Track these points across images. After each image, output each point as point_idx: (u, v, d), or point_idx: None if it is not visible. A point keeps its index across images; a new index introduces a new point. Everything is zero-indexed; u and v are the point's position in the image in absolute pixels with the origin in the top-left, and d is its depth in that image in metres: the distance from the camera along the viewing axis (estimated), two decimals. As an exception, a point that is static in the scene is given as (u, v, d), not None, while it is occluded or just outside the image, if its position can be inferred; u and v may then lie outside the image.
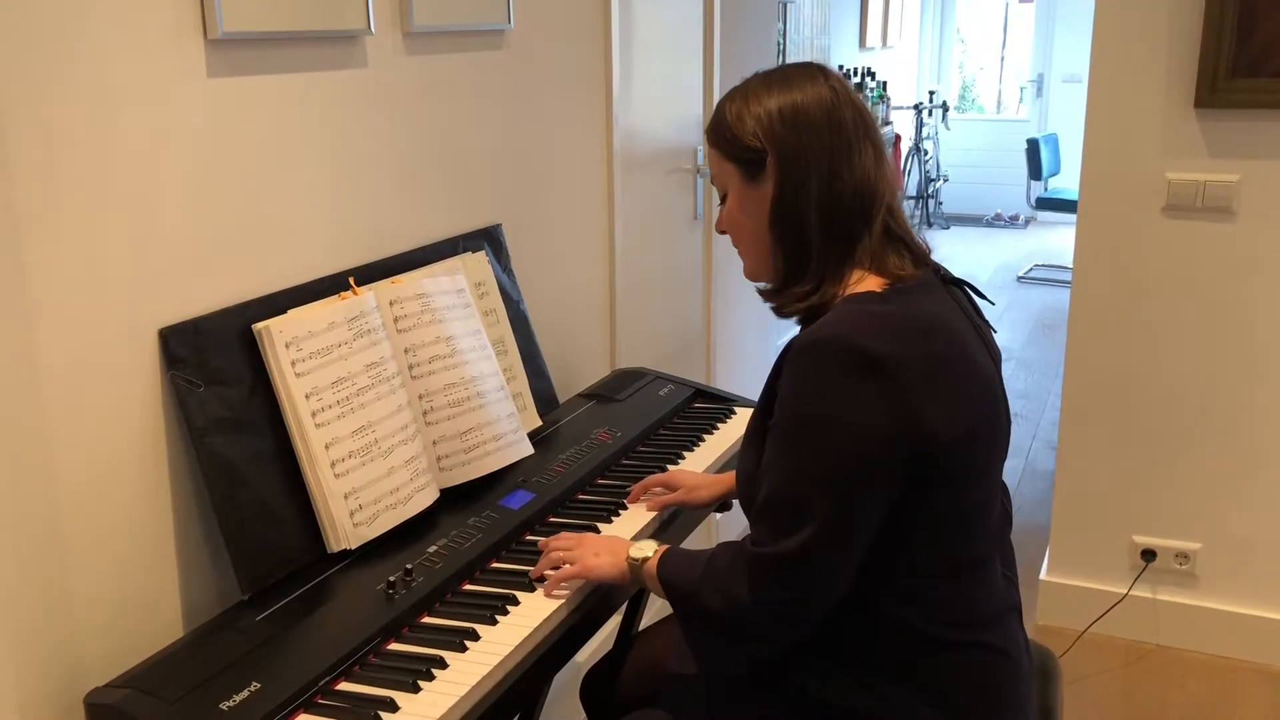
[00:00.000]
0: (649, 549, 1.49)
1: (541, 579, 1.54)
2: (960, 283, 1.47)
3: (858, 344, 1.26)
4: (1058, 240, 8.00)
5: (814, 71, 1.42)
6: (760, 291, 1.48)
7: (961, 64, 9.98)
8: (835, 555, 1.30)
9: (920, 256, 1.41)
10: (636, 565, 1.48)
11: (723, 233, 1.50)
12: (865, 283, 1.37)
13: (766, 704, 1.43)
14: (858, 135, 1.39)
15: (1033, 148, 7.56)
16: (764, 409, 1.38)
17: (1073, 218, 2.90)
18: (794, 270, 1.41)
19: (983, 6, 9.90)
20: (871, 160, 1.39)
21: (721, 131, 1.43)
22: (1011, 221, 8.99)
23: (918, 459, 1.28)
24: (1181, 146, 2.65)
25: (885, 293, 1.35)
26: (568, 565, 1.53)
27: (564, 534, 1.61)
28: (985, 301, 1.51)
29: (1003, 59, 10.01)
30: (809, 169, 1.37)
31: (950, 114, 8.92)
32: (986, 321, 1.49)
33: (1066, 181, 7.70)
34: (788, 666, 1.41)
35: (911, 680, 1.36)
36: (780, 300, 1.43)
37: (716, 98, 3.11)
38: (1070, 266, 2.87)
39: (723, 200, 1.48)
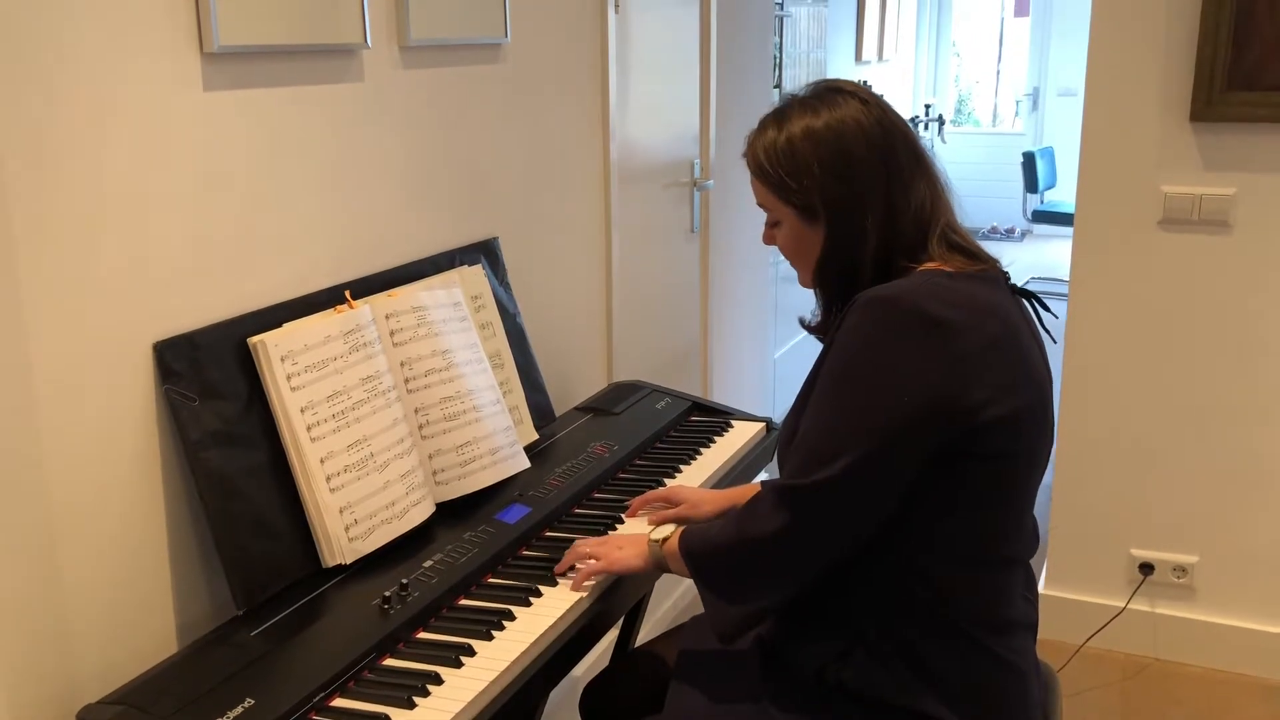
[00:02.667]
0: (668, 530, 1.54)
1: (564, 573, 1.58)
2: (1028, 294, 1.49)
3: (919, 304, 1.31)
4: (1054, 253, 8.00)
5: (852, 100, 1.41)
6: (806, 326, 1.53)
7: (957, 77, 10.01)
8: (854, 498, 1.32)
9: (982, 255, 1.43)
10: (657, 545, 1.52)
11: (769, 245, 1.53)
12: (936, 266, 1.40)
13: (781, 686, 1.44)
14: (911, 167, 1.41)
15: (1029, 161, 7.58)
16: (820, 365, 1.41)
17: (1069, 231, 2.90)
18: (846, 302, 1.43)
19: (978, 20, 9.93)
20: (925, 188, 1.41)
21: (769, 174, 1.43)
22: (1008, 234, 9.01)
23: (958, 428, 1.30)
24: (1177, 160, 2.65)
25: (954, 274, 1.38)
26: (593, 561, 1.56)
27: (587, 538, 1.64)
28: (1049, 314, 1.53)
29: (998, 72, 10.04)
30: (866, 213, 1.39)
31: (946, 127, 8.93)
32: (1048, 331, 1.50)
33: (1062, 194, 7.72)
34: (805, 646, 1.42)
35: (926, 669, 1.37)
36: (826, 331, 1.47)
37: (714, 111, 3.13)
38: (1066, 279, 2.87)
39: (769, 222, 1.50)
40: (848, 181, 1.39)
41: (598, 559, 1.56)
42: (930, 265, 1.39)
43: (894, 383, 1.30)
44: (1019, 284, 1.47)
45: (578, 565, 1.58)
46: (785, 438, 1.45)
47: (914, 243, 1.40)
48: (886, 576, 1.37)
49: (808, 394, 1.41)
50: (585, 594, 1.54)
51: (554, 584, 1.57)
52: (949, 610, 1.37)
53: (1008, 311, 1.38)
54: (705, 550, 1.45)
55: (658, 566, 1.54)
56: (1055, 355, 2.92)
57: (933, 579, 1.36)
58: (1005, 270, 1.46)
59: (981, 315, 1.33)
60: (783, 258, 1.52)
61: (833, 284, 1.45)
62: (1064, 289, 2.89)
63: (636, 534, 1.60)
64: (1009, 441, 1.34)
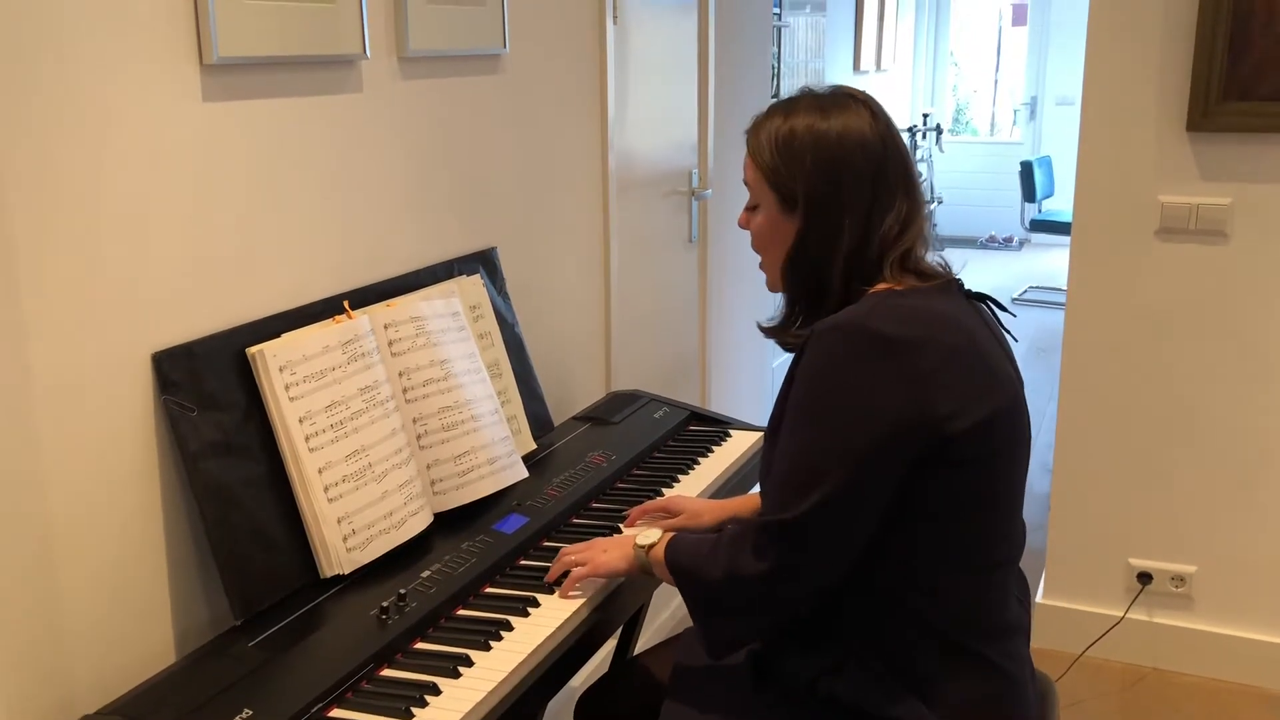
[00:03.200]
0: (654, 535, 1.53)
1: (558, 582, 1.57)
2: (983, 297, 1.49)
3: (875, 327, 1.32)
4: (1052, 262, 8.01)
5: (863, 109, 1.43)
6: (764, 329, 1.52)
7: (955, 87, 10.03)
8: (837, 526, 1.33)
9: (934, 274, 1.44)
10: (642, 551, 1.52)
11: (744, 228, 1.53)
12: (888, 286, 1.41)
13: (774, 700, 1.44)
14: (897, 189, 1.42)
15: (1026, 170, 7.58)
16: (785, 397, 1.41)
17: (1066, 239, 2.90)
18: (809, 306, 1.45)
19: (976, 30, 9.96)
20: (902, 216, 1.42)
21: (763, 155, 1.44)
22: (1005, 243, 9.02)
23: (930, 441, 1.31)
24: (1174, 169, 2.66)
25: (905, 290, 1.39)
26: (579, 568, 1.56)
27: (574, 544, 1.63)
28: (1007, 314, 1.54)
29: (996, 82, 10.07)
30: (844, 217, 1.40)
31: (944, 136, 8.95)
32: (1009, 332, 1.51)
33: (1060, 203, 7.72)
34: (798, 658, 1.42)
35: (919, 680, 1.37)
36: (785, 337, 1.48)
37: (712, 120, 3.13)
38: (1064, 288, 2.88)
39: (749, 205, 1.50)
40: (835, 182, 1.40)
41: (583, 564, 1.56)
42: (882, 287, 1.40)
43: (857, 408, 1.31)
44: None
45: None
46: (764, 469, 1.46)
47: (879, 257, 1.41)
48: (878, 589, 1.37)
49: (777, 425, 1.42)
50: (582, 602, 1.54)
51: (552, 593, 1.57)
52: (942, 619, 1.37)
53: (962, 318, 1.39)
54: (694, 575, 1.44)
55: (643, 571, 1.54)
56: (1053, 366, 2.93)
57: (925, 588, 1.37)
58: (958, 278, 1.47)
59: (936, 327, 1.34)
60: None
61: (799, 282, 1.45)
62: (1062, 298, 2.90)
63: (622, 537, 1.61)
64: (984, 446, 1.35)
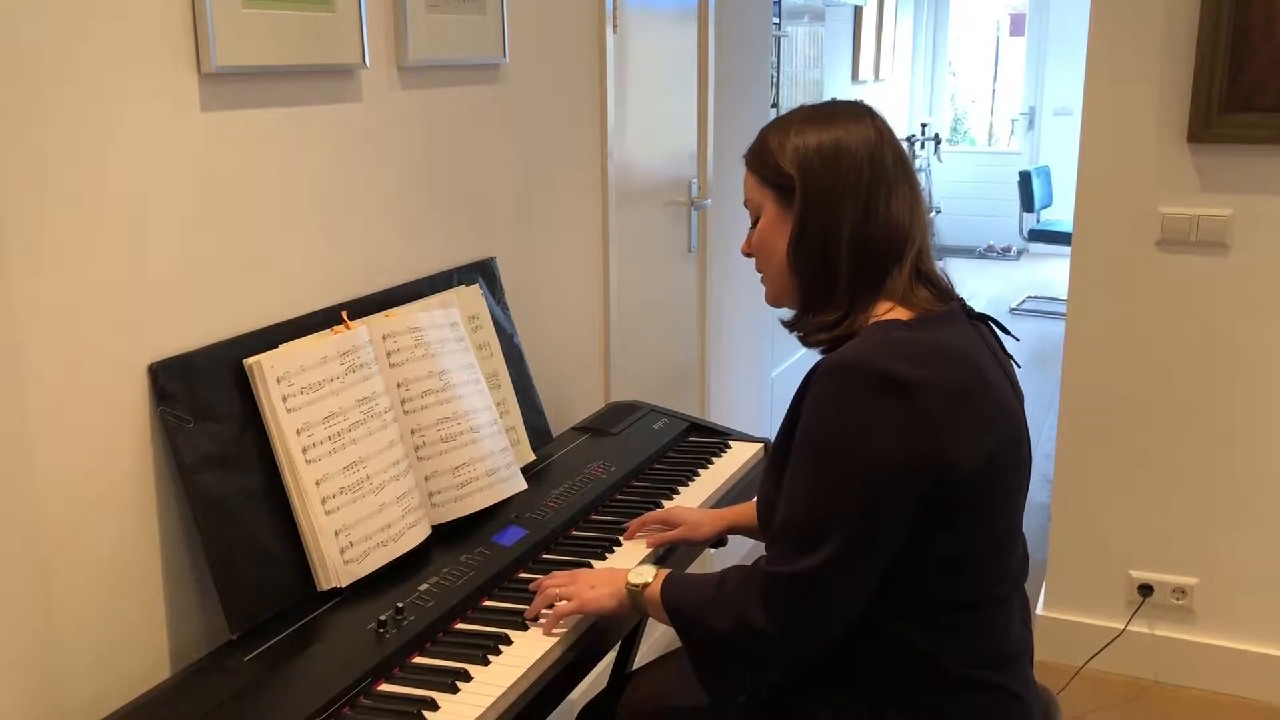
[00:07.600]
0: (649, 574, 1.47)
1: (537, 618, 1.52)
2: (985, 318, 1.48)
3: (882, 366, 1.28)
4: (1051, 272, 8.02)
5: (860, 111, 1.43)
6: (783, 322, 1.50)
7: (953, 96, 10.05)
8: (852, 577, 1.30)
9: (946, 293, 1.42)
10: (636, 591, 1.47)
11: (748, 255, 1.50)
12: (894, 313, 1.38)
13: None
14: (897, 177, 1.40)
15: (1025, 180, 7.59)
16: (787, 431, 1.38)
17: (1066, 249, 2.90)
18: (814, 298, 1.42)
19: (974, 40, 9.98)
20: (907, 203, 1.40)
21: (763, 157, 1.44)
22: (1004, 253, 9.02)
23: (938, 484, 1.28)
24: (1175, 180, 2.66)
25: (912, 321, 1.37)
26: (564, 602, 1.51)
27: (556, 572, 1.58)
28: (1009, 337, 1.52)
29: (994, 92, 10.09)
30: (842, 204, 1.38)
31: (942, 146, 8.96)
32: (1010, 356, 1.49)
33: (1059, 213, 7.73)
34: (799, 696, 1.40)
35: (922, 711, 1.35)
36: (803, 328, 1.45)
37: (711, 130, 3.13)
38: (1064, 298, 2.87)
39: (754, 223, 1.48)
40: (831, 161, 1.38)
41: (568, 599, 1.50)
42: (888, 305, 1.38)
43: (866, 453, 1.27)
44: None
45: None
46: (765, 501, 1.43)
47: (885, 252, 1.38)
48: (878, 627, 1.35)
49: (782, 455, 1.38)
50: (557, 637, 1.48)
51: (551, 607, 1.55)
52: (945, 653, 1.35)
53: (970, 351, 1.37)
54: (697, 624, 1.39)
55: (636, 610, 1.49)
56: (1052, 376, 2.93)
57: (926, 625, 1.35)
58: (961, 299, 1.45)
59: (945, 364, 1.31)
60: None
61: (805, 269, 1.41)
62: (1060, 308, 2.89)
63: (611, 572, 1.55)
64: (990, 486, 1.33)
